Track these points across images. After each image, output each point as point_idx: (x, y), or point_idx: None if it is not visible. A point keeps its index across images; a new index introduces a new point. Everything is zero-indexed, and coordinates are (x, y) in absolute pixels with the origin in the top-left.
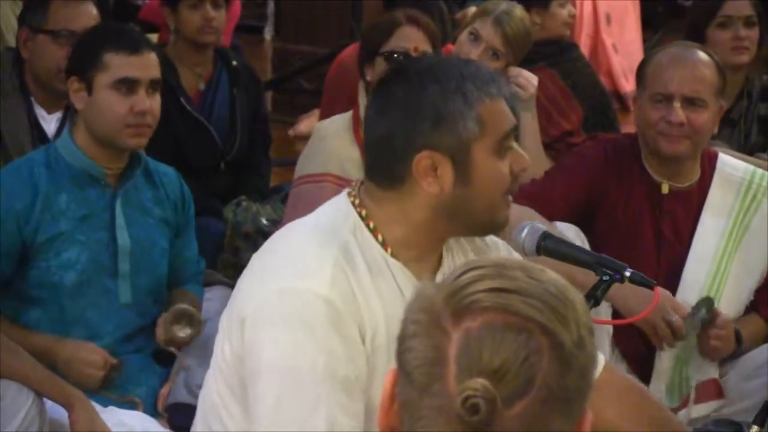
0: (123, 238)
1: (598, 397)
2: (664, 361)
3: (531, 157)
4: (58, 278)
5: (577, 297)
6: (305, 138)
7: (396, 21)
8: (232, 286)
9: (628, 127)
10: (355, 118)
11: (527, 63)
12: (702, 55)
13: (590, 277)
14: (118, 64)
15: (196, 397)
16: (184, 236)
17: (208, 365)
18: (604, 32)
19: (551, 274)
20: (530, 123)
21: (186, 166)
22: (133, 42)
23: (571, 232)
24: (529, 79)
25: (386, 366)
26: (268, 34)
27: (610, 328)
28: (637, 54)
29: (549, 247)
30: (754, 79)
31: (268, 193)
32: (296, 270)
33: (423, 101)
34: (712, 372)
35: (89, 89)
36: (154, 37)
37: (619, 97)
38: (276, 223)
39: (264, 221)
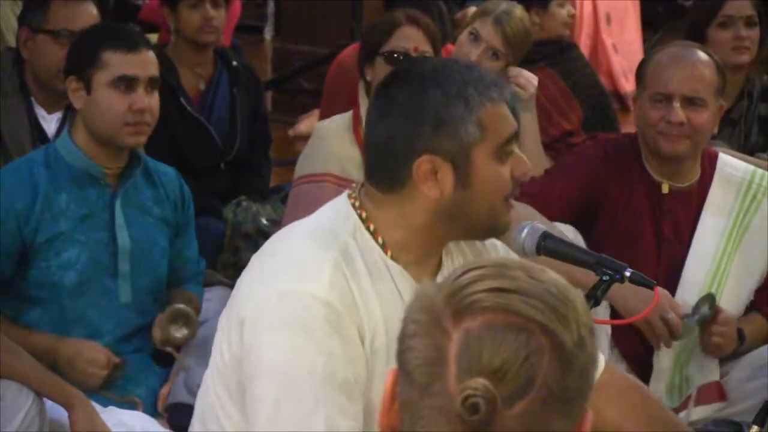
0: (123, 237)
1: (598, 397)
2: (664, 361)
3: (531, 157)
4: (58, 278)
5: (578, 297)
6: (305, 138)
7: (396, 21)
8: (232, 287)
9: (628, 127)
10: (356, 118)
11: (527, 63)
12: (701, 54)
13: (590, 277)
14: (116, 63)
15: (195, 397)
16: (184, 236)
17: (208, 365)
18: (604, 32)
19: (552, 274)
20: (530, 123)
21: (186, 167)
22: (131, 40)
23: (569, 233)
24: (529, 79)
25: (385, 368)
26: (268, 34)
27: (608, 328)
28: (637, 54)
29: (549, 247)
30: (755, 79)
31: (268, 193)
32: (296, 272)
33: (424, 105)
34: (713, 372)
35: (88, 88)
36: (154, 37)
37: (619, 97)
38: (276, 223)
39: (264, 221)
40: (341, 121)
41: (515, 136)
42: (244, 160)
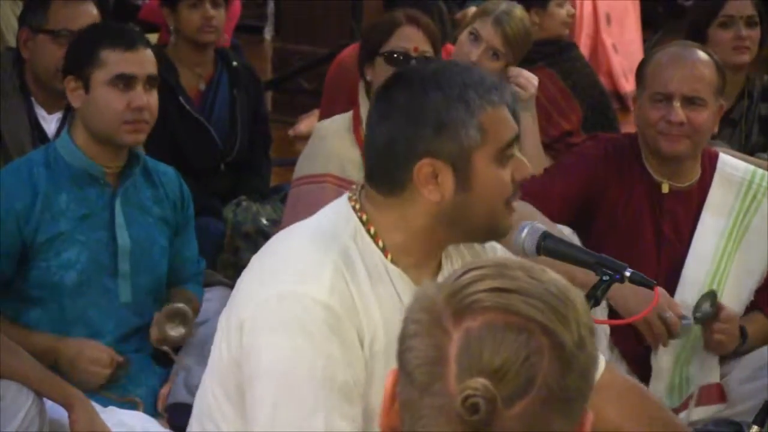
0: (123, 237)
1: (599, 398)
2: (664, 361)
3: (531, 157)
4: (59, 278)
5: (578, 297)
6: (305, 138)
7: (396, 21)
8: (231, 287)
9: (628, 127)
10: (356, 119)
11: (526, 63)
12: (701, 54)
13: (591, 277)
14: (114, 61)
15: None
16: (184, 235)
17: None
18: (604, 32)
19: (552, 274)
20: (530, 123)
21: (186, 167)
22: (129, 38)
23: (565, 232)
24: (530, 79)
25: (384, 371)
26: (268, 34)
27: (606, 328)
28: (637, 54)
29: (549, 247)
30: (755, 79)
31: (268, 193)
32: (296, 274)
33: (425, 108)
34: (713, 372)
35: (86, 87)
36: (154, 37)
37: (619, 97)
38: (276, 223)
39: (264, 221)
40: (342, 121)
41: (516, 140)
42: (244, 160)
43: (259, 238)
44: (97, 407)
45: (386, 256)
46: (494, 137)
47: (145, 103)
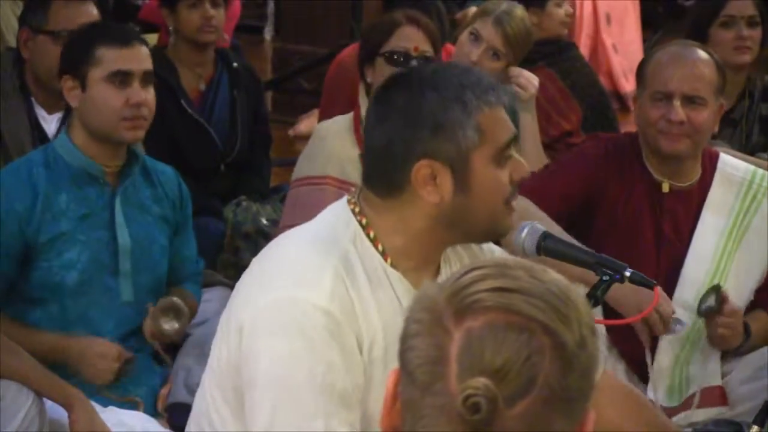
0: (123, 236)
1: (598, 398)
2: (664, 360)
3: (531, 158)
4: (60, 278)
5: (580, 297)
6: (305, 138)
7: (396, 21)
8: (231, 287)
9: (628, 127)
10: (356, 119)
11: (525, 63)
12: (701, 53)
13: (591, 276)
14: (110, 58)
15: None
16: (182, 235)
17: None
18: (604, 32)
19: (553, 274)
20: (530, 123)
21: (186, 167)
22: (124, 35)
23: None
24: (530, 80)
25: (383, 376)
26: (268, 34)
27: (602, 328)
28: (637, 54)
29: (549, 247)
30: (756, 79)
31: (268, 193)
32: (296, 279)
33: (422, 109)
34: (714, 372)
35: (83, 86)
36: (153, 38)
37: (619, 97)
38: (276, 223)
39: (264, 221)
40: (342, 121)
41: (514, 140)
42: (244, 160)
43: (259, 238)
44: (97, 407)
45: (386, 260)
46: (492, 138)
47: (142, 99)
